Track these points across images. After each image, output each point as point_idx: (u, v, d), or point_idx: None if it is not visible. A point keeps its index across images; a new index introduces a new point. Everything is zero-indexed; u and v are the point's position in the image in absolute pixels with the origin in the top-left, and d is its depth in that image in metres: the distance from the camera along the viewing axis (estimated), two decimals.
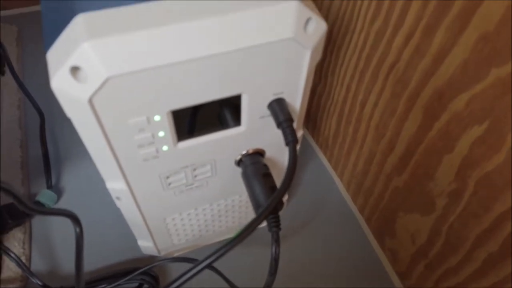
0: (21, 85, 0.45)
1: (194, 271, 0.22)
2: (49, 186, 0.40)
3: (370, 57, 0.31)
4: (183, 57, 0.19)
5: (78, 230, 0.26)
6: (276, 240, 0.23)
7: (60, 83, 0.18)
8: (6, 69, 0.48)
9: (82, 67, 0.18)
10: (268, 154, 0.28)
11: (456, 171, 0.25)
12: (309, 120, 0.47)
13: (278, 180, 0.27)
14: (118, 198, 0.26)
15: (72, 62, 0.17)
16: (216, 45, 0.19)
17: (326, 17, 0.35)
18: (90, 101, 0.18)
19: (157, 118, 0.21)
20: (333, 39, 0.36)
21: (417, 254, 0.32)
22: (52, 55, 0.18)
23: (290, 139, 0.23)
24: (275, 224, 0.23)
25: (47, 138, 0.44)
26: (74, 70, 0.18)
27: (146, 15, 0.18)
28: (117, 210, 0.39)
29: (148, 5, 0.19)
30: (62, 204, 0.40)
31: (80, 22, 0.18)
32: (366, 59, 0.31)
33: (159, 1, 0.19)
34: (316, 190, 0.43)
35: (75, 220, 0.26)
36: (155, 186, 0.26)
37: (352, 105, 0.36)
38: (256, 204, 0.25)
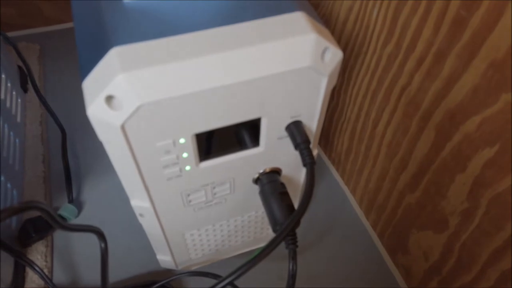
0: (43, 102, 0.47)
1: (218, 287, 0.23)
2: (70, 200, 0.42)
3: (382, 79, 0.32)
4: (208, 85, 0.20)
5: (103, 245, 0.28)
6: (293, 257, 0.24)
7: (96, 111, 0.19)
8: (29, 86, 0.50)
9: (117, 96, 0.19)
10: (284, 172, 0.29)
11: (469, 190, 0.26)
12: (322, 136, 0.48)
13: (293, 196, 0.28)
14: (141, 215, 0.28)
15: (107, 92, 0.19)
16: (240, 74, 0.20)
17: (339, 39, 0.37)
18: (123, 126, 0.20)
19: (182, 141, 0.23)
20: (345, 59, 0.37)
21: (430, 270, 0.33)
22: (88, 85, 0.20)
23: (308, 161, 0.24)
24: (292, 242, 0.24)
25: (68, 154, 0.45)
26: (109, 99, 0.19)
27: (174, 48, 0.20)
28: (136, 224, 0.40)
29: (175, 39, 0.20)
30: (83, 218, 0.42)
31: (114, 55, 0.19)
32: (378, 81, 0.33)
33: (185, 35, 0.20)
34: (329, 205, 0.44)
35: (101, 236, 0.27)
36: (177, 204, 0.28)
37: (365, 123, 0.37)
38: (273, 221, 0.26)
